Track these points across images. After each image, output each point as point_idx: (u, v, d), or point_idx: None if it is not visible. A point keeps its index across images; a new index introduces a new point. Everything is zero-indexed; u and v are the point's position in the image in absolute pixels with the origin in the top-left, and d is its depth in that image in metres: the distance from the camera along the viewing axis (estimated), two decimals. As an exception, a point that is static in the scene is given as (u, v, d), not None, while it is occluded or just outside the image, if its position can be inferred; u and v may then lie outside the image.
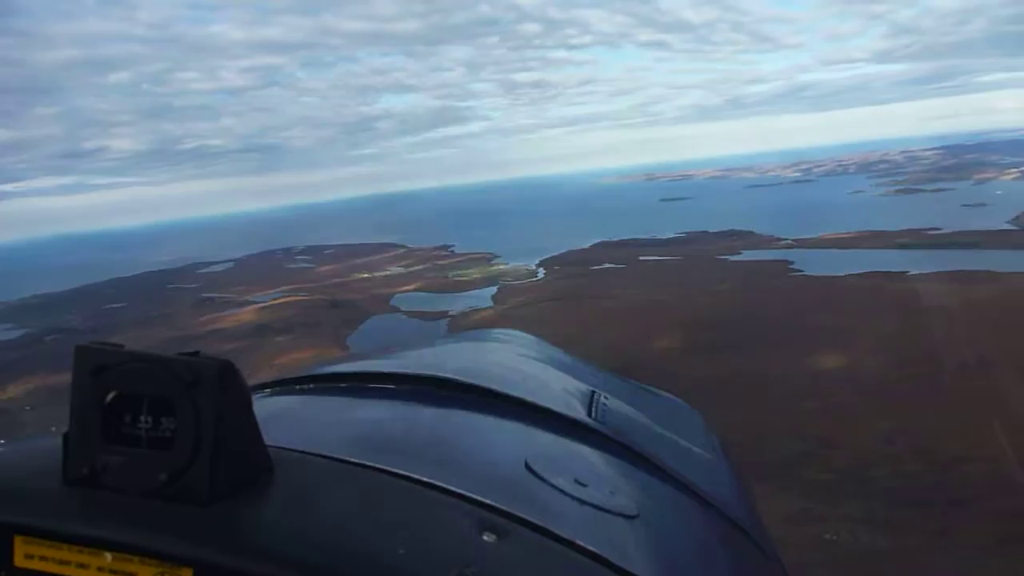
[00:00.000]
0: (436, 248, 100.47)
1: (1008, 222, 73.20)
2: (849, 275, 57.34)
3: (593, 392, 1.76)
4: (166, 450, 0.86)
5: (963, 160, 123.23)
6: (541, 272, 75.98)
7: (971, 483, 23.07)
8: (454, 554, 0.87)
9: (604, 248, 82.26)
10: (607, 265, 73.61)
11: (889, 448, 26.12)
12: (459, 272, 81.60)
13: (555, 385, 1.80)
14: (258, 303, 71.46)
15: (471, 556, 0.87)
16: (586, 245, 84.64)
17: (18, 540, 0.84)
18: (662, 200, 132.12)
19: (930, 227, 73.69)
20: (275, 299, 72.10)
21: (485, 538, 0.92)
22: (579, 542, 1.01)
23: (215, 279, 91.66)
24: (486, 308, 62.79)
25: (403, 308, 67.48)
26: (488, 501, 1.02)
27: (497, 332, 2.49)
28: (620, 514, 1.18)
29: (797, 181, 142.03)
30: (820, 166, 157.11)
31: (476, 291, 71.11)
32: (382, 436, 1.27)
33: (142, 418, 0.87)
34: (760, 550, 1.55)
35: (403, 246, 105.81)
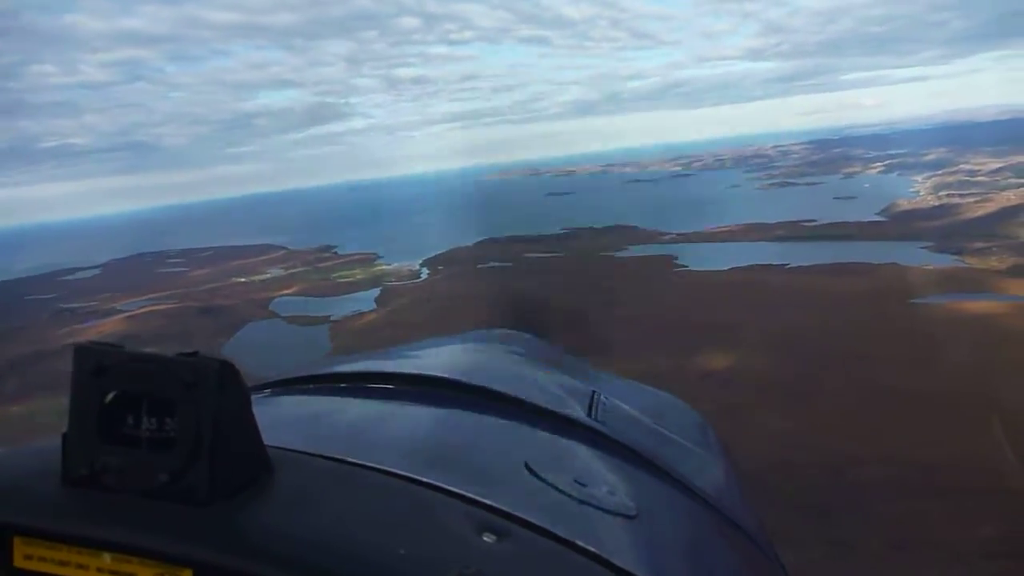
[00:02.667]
0: (318, 249, 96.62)
1: (877, 214, 76.20)
2: (733, 269, 58.08)
3: (592, 392, 1.77)
4: (166, 450, 0.86)
5: (830, 154, 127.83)
6: (424, 272, 74.25)
7: (864, 486, 22.93)
8: (454, 554, 0.87)
9: (489, 246, 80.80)
10: (492, 264, 72.40)
11: (782, 452, 25.76)
12: (342, 274, 78.82)
13: (554, 385, 1.79)
14: (124, 312, 66.65)
15: (471, 556, 0.88)
16: (470, 243, 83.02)
17: (17, 541, 0.84)
18: (547, 195, 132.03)
19: (806, 219, 75.96)
20: (143, 307, 67.75)
21: (485, 538, 0.93)
22: (579, 542, 1.02)
23: (78, 287, 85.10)
24: (370, 312, 60.67)
25: (282, 313, 64.31)
26: (488, 501, 1.03)
27: (496, 332, 2.47)
28: (620, 514, 1.19)
29: (676, 175, 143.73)
30: (698, 160, 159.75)
31: (359, 293, 68.72)
32: (382, 436, 1.29)
33: (142, 418, 0.87)
34: (759, 549, 1.59)
35: (283, 247, 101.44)
